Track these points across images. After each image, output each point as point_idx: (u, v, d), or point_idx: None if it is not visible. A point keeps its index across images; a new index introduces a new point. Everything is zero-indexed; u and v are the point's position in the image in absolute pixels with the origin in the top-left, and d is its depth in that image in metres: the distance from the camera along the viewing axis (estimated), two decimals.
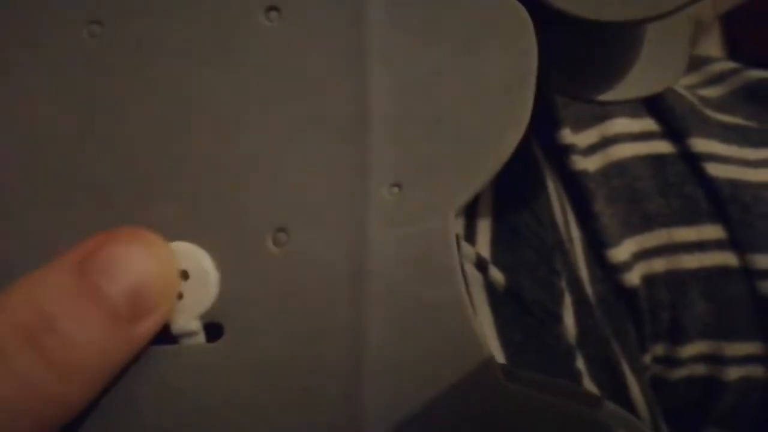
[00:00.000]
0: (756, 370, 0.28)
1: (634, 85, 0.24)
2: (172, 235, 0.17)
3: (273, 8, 0.18)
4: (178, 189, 0.17)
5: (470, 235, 0.25)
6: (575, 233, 0.28)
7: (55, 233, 0.17)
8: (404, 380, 0.16)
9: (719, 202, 0.28)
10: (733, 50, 0.48)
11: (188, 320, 0.17)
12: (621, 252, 0.27)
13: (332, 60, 0.17)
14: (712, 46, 0.48)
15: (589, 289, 0.27)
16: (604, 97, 0.24)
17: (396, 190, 0.17)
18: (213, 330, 0.17)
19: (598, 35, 0.23)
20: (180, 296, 0.17)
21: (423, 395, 0.16)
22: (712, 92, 0.34)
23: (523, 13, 0.17)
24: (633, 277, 0.27)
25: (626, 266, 0.27)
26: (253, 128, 0.17)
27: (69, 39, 0.18)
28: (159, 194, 0.18)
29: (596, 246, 0.28)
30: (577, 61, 0.24)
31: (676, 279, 0.28)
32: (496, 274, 0.24)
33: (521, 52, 0.17)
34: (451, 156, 0.17)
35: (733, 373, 0.28)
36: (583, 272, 0.27)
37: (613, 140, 0.29)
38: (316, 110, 0.17)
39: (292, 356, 0.16)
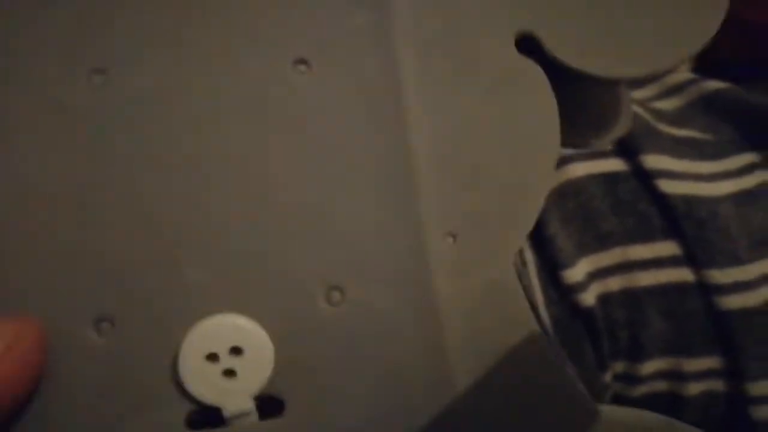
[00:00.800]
0: (716, 385, 0.28)
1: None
2: (212, 305, 0.16)
3: (302, 61, 0.17)
4: (212, 253, 0.16)
5: None
6: (529, 256, 0.28)
7: (59, 315, 0.15)
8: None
9: (673, 218, 0.28)
10: (700, 56, 0.48)
11: (243, 400, 0.15)
12: (576, 272, 0.28)
13: (368, 110, 0.17)
14: None
15: (544, 312, 0.27)
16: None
17: (451, 240, 0.17)
18: (271, 406, 0.16)
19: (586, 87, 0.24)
20: (233, 374, 0.15)
21: None
22: (668, 104, 0.34)
23: (536, 68, 0.18)
24: (588, 297, 0.27)
25: (581, 286, 0.27)
26: (291, 184, 0.16)
27: (70, 89, 0.16)
28: (191, 260, 0.16)
29: (551, 268, 0.28)
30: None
31: (632, 297, 0.28)
32: None
33: (541, 103, 0.18)
34: (495, 203, 0.17)
35: (694, 388, 0.28)
36: (538, 295, 0.27)
37: (567, 160, 0.29)
38: (357, 162, 0.17)
39: (370, 423, 0.15)
